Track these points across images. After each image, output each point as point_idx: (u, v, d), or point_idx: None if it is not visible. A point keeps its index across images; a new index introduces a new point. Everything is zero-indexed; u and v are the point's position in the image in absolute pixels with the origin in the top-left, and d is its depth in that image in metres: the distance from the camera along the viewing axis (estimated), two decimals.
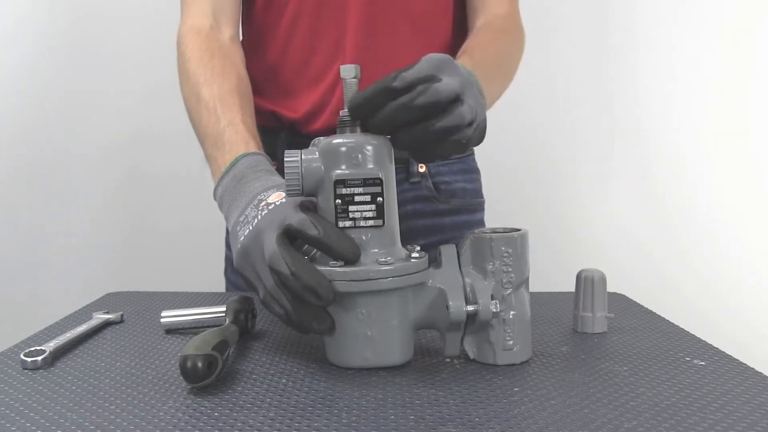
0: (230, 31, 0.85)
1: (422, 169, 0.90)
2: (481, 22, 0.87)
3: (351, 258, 0.54)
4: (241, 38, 0.92)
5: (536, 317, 0.71)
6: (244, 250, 0.59)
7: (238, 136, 0.70)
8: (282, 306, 0.55)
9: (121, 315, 0.75)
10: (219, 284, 1.00)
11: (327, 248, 0.54)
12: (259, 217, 0.59)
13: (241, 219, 0.61)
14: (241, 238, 0.60)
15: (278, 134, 0.89)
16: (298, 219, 0.54)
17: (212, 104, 0.74)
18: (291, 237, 0.55)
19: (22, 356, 0.59)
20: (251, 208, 0.61)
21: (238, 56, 0.84)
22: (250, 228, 0.59)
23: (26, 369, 0.58)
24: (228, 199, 0.66)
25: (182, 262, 1.53)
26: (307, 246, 0.58)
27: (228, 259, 0.99)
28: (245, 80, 0.82)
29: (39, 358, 0.59)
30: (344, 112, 0.57)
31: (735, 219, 1.59)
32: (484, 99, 0.64)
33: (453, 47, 0.90)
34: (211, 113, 0.73)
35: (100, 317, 0.73)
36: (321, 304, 0.53)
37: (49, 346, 0.61)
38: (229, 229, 0.64)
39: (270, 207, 0.59)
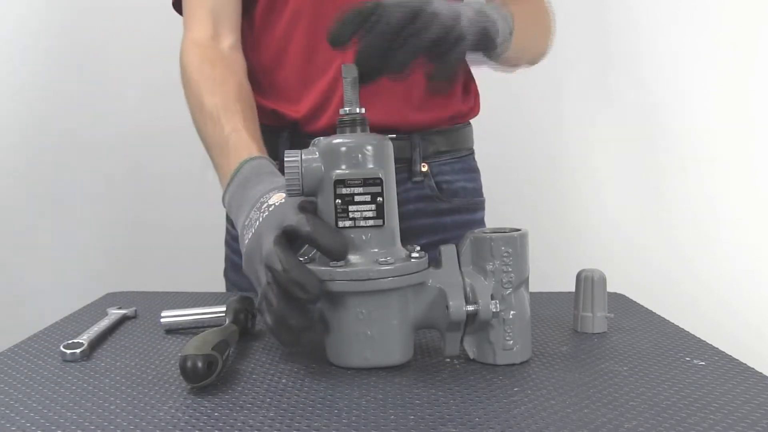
0: (230, 39, 0.86)
1: (424, 168, 0.90)
2: None
3: (338, 251, 0.54)
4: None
5: (536, 317, 0.71)
6: (248, 255, 0.60)
7: (241, 143, 0.72)
8: (269, 302, 0.55)
9: (135, 310, 0.77)
10: (220, 283, 1.00)
11: (315, 243, 0.54)
12: (261, 219, 0.59)
13: (246, 223, 0.62)
14: (246, 242, 0.60)
15: (280, 134, 0.89)
16: (296, 219, 0.54)
17: (215, 113, 0.75)
18: (290, 237, 0.55)
19: (61, 348, 0.62)
20: (254, 211, 0.61)
21: (238, 64, 0.85)
22: (253, 231, 0.59)
23: (66, 361, 0.61)
24: (235, 206, 0.67)
25: (183, 261, 1.53)
26: (307, 247, 0.58)
27: (228, 259, 0.99)
28: (246, 87, 0.83)
29: (77, 351, 0.61)
30: (344, 111, 0.57)
31: (735, 219, 1.59)
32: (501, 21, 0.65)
33: None
34: (215, 122, 0.75)
35: (115, 312, 0.75)
36: (306, 297, 0.52)
37: (84, 339, 0.64)
38: (238, 234, 0.64)
39: (270, 209, 0.59)
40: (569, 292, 0.71)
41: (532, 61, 0.89)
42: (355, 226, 0.55)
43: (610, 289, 0.68)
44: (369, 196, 0.55)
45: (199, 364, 0.50)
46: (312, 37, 0.85)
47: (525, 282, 0.57)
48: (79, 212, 1.58)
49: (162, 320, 0.69)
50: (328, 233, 0.54)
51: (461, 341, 0.57)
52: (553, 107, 1.59)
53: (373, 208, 0.55)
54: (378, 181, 0.55)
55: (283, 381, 0.54)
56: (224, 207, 0.70)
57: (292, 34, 0.86)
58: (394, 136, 0.87)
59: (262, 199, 0.62)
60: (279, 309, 0.53)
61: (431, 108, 0.89)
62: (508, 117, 1.55)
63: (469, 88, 0.96)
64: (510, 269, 0.56)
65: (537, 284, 0.66)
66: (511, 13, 0.69)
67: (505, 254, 0.56)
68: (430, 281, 0.56)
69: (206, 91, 0.78)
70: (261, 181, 0.65)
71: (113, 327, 0.71)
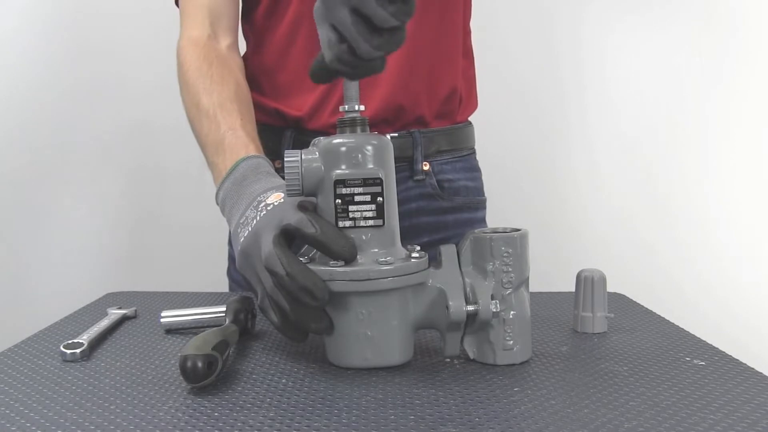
0: (228, 39, 0.86)
1: (426, 167, 0.90)
2: None
3: (348, 257, 0.54)
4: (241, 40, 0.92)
5: (536, 317, 0.71)
6: (244, 252, 0.59)
7: (238, 141, 0.71)
8: (280, 307, 0.55)
9: (135, 310, 0.78)
10: (222, 282, 1.00)
11: (324, 246, 0.54)
12: (258, 218, 0.59)
13: (241, 221, 0.62)
14: (241, 240, 0.60)
15: (283, 132, 0.89)
16: (296, 218, 0.54)
17: (212, 111, 0.75)
18: (289, 237, 0.55)
19: (61, 348, 0.62)
20: (251, 209, 0.61)
21: (235, 64, 0.85)
22: (250, 229, 0.59)
23: (66, 361, 0.61)
24: (229, 203, 0.66)
25: (184, 260, 1.53)
26: (307, 247, 0.58)
27: (231, 258, 0.99)
28: (244, 87, 0.83)
29: (77, 351, 0.61)
30: (344, 108, 0.57)
31: (735, 219, 1.59)
32: None
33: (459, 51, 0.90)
34: (211, 120, 0.75)
35: (115, 312, 0.75)
36: (316, 304, 0.53)
37: (84, 339, 0.64)
38: (231, 231, 0.64)
39: (269, 208, 0.59)
40: (569, 292, 0.71)
41: None
42: (355, 226, 0.55)
43: (610, 289, 0.68)
44: (369, 196, 0.55)
45: (199, 364, 0.50)
46: (314, 41, 0.84)
47: (525, 282, 0.57)
48: (79, 212, 1.58)
49: (162, 320, 0.69)
50: (337, 237, 0.53)
51: (461, 341, 0.58)
52: (554, 107, 1.59)
53: (373, 208, 0.55)
54: (378, 181, 0.55)
55: (283, 381, 0.54)
56: (217, 204, 0.70)
57: (294, 38, 0.86)
58: (396, 135, 0.87)
59: (259, 198, 0.61)
60: (294, 315, 0.54)
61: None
62: (509, 117, 1.55)
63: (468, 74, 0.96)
64: (510, 269, 0.56)
65: (537, 284, 0.66)
66: None
67: (505, 254, 0.56)
68: (430, 281, 0.56)
69: (203, 90, 0.77)
70: (258, 180, 0.65)
71: (113, 327, 0.71)
